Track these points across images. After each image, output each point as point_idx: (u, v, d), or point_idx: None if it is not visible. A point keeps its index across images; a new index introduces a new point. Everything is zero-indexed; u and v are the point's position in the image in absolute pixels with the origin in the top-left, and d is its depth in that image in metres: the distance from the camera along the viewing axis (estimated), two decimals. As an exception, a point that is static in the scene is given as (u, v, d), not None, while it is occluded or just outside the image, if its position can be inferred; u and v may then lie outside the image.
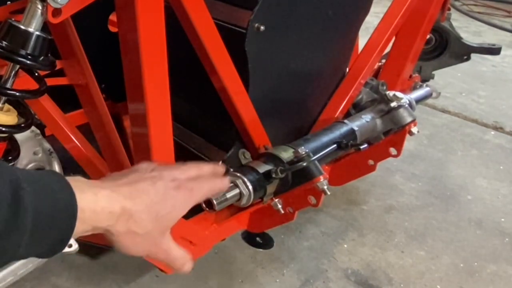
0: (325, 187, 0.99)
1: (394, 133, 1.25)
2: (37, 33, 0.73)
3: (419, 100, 1.47)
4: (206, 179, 0.76)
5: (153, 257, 0.71)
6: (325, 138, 1.15)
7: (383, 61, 1.49)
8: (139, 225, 0.65)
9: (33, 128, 0.93)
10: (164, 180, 0.69)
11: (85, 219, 0.59)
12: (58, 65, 1.01)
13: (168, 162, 0.89)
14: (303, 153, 1.00)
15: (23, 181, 0.54)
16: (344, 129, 1.19)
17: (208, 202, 0.93)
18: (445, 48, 1.64)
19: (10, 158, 0.86)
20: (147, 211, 0.65)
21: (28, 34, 0.73)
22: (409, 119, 1.23)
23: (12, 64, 0.76)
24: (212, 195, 0.80)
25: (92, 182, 0.63)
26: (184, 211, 0.70)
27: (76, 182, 0.59)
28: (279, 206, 1.06)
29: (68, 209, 0.57)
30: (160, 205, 0.67)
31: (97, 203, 0.61)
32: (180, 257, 0.73)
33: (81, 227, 0.59)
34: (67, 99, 1.08)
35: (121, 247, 0.66)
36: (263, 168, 1.02)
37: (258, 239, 1.27)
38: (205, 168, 0.78)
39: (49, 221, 0.56)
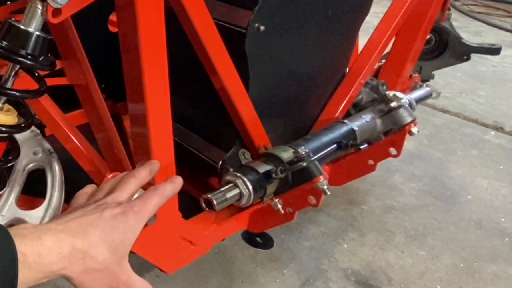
0: (325, 187, 0.99)
1: (394, 133, 1.25)
2: (37, 33, 0.73)
3: (419, 100, 1.47)
4: (150, 194, 0.74)
5: None
6: (325, 138, 1.15)
7: (383, 61, 1.49)
8: (96, 261, 0.63)
9: (33, 128, 0.93)
10: (109, 207, 0.68)
11: (30, 264, 0.55)
12: (58, 65, 1.01)
13: (167, 162, 0.89)
14: (303, 153, 1.00)
15: None
16: (344, 129, 1.19)
17: (208, 202, 0.93)
18: (445, 48, 1.64)
19: (10, 158, 0.86)
20: (101, 243, 0.63)
21: (28, 34, 0.72)
22: (409, 119, 1.23)
23: (12, 64, 0.76)
24: (161, 206, 0.76)
25: (38, 226, 0.60)
26: (136, 234, 0.69)
27: (16, 230, 0.56)
28: (279, 206, 1.06)
29: (6, 255, 0.53)
30: (113, 234, 0.65)
31: (43, 246, 0.57)
32: (141, 286, 0.72)
33: (29, 274, 0.55)
34: (67, 99, 1.08)
35: (83, 287, 0.63)
36: (263, 168, 1.02)
37: (258, 239, 1.27)
38: (142, 174, 0.78)
39: None
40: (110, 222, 0.66)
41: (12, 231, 0.56)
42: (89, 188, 0.78)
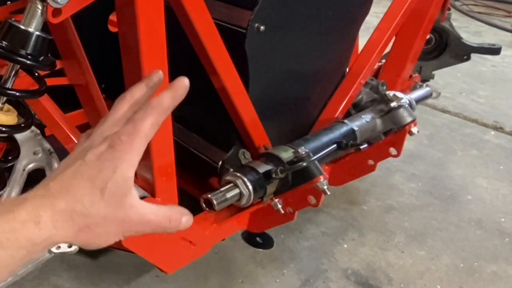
0: (325, 187, 0.99)
1: (394, 133, 1.25)
2: (37, 33, 0.73)
3: (419, 100, 1.47)
4: (142, 113, 0.60)
5: (133, 234, 0.58)
6: (325, 138, 1.15)
7: (383, 61, 1.49)
8: (88, 215, 0.53)
9: (33, 128, 0.93)
10: (93, 146, 0.56)
11: (3, 243, 0.49)
12: (58, 65, 1.01)
13: (167, 162, 0.89)
14: (303, 153, 1.00)
15: None
16: (344, 129, 1.19)
17: (208, 202, 0.93)
18: (445, 48, 1.64)
19: (10, 158, 0.86)
20: (88, 195, 0.53)
21: (28, 34, 0.73)
22: (409, 119, 1.23)
23: (12, 64, 0.76)
24: (160, 121, 0.61)
25: (14, 199, 0.54)
26: (132, 166, 0.56)
27: None
28: (279, 206, 1.06)
29: None
30: (100, 178, 0.54)
31: (15, 220, 0.50)
32: (165, 215, 0.60)
33: (6, 254, 0.49)
34: (67, 99, 1.08)
35: (88, 246, 0.55)
36: (263, 168, 1.02)
37: (258, 239, 1.27)
38: (136, 91, 0.64)
39: None
40: (95, 164, 0.55)
41: None
42: (91, 129, 0.64)
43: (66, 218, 0.52)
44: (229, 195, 0.96)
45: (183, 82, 0.64)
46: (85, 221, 0.53)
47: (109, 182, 0.54)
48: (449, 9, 1.59)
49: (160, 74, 0.66)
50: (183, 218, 0.61)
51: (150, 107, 0.60)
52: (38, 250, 0.51)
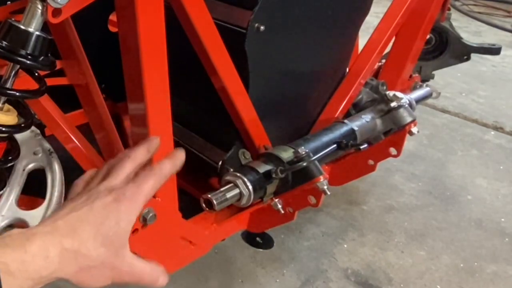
0: (325, 187, 0.99)
1: (394, 133, 1.25)
2: (37, 33, 0.73)
3: (419, 100, 1.47)
4: (145, 176, 0.68)
5: (120, 281, 0.64)
6: (325, 138, 1.15)
7: (383, 61, 1.49)
8: (90, 257, 0.59)
9: (33, 128, 0.93)
10: (100, 196, 0.63)
11: (14, 273, 0.53)
12: (58, 65, 1.01)
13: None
14: (303, 153, 1.00)
15: None
16: (344, 129, 1.19)
17: (208, 202, 0.93)
18: (445, 48, 1.64)
19: (10, 158, 0.86)
20: (92, 239, 0.59)
21: (28, 34, 0.72)
22: (409, 119, 1.23)
23: (12, 64, 0.76)
24: (160, 187, 0.71)
25: (23, 232, 0.58)
26: (131, 222, 0.65)
27: None
28: (279, 206, 1.06)
29: None
30: (104, 226, 0.61)
31: (26, 253, 0.54)
32: (148, 272, 0.67)
33: (15, 283, 0.53)
34: (67, 99, 1.08)
35: (81, 284, 0.60)
36: (263, 168, 1.02)
37: (258, 239, 1.27)
38: (138, 154, 0.72)
39: None
40: (101, 213, 0.61)
41: None
42: (87, 174, 0.72)
43: (71, 257, 0.57)
44: (229, 195, 0.96)
45: (181, 155, 0.75)
46: (86, 262, 0.59)
47: (112, 232, 0.61)
48: (449, 9, 1.59)
49: (158, 141, 0.76)
50: (160, 278, 0.68)
51: (153, 172, 0.69)
52: (42, 282, 0.56)
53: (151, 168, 0.71)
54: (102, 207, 0.62)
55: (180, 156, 0.75)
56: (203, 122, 1.26)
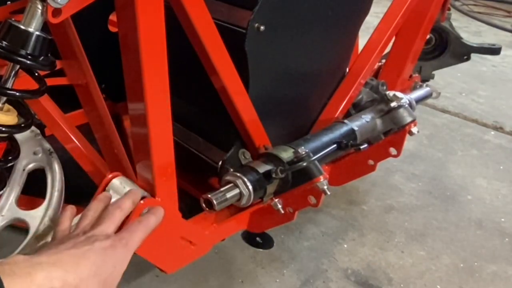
0: (325, 187, 0.99)
1: (394, 133, 1.25)
2: (37, 33, 0.73)
3: (419, 100, 1.47)
4: (135, 227, 0.79)
5: None
6: (325, 138, 1.15)
7: (383, 61, 1.49)
8: None
9: (33, 128, 0.93)
10: (99, 240, 0.71)
11: None
12: (58, 65, 1.01)
13: (167, 162, 0.89)
14: (303, 153, 1.00)
15: None
16: (344, 129, 1.19)
17: (208, 202, 0.93)
18: (445, 48, 1.64)
19: (10, 158, 0.86)
20: (92, 277, 0.66)
21: (28, 34, 0.73)
22: (409, 119, 1.23)
23: (12, 64, 0.76)
24: (146, 236, 0.81)
25: (29, 261, 0.62)
26: (124, 267, 0.73)
27: (6, 266, 0.58)
28: (279, 206, 1.06)
29: None
30: (103, 267, 0.68)
31: (32, 282, 0.59)
32: None
33: None
34: (67, 99, 1.08)
35: None
36: (263, 168, 1.02)
37: (258, 239, 1.27)
38: (126, 205, 0.82)
39: None
40: (101, 255, 0.69)
41: (2, 268, 0.57)
42: (68, 211, 0.81)
43: None
44: (229, 195, 0.96)
45: (162, 211, 0.86)
46: None
47: (108, 274, 0.69)
48: (449, 9, 1.59)
49: (140, 194, 0.86)
50: None
51: (142, 224, 0.80)
52: None
53: (140, 220, 0.81)
54: (101, 249, 0.70)
55: (161, 213, 0.86)
56: (203, 122, 1.26)
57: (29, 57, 0.73)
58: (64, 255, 0.66)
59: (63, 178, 0.98)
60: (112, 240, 0.72)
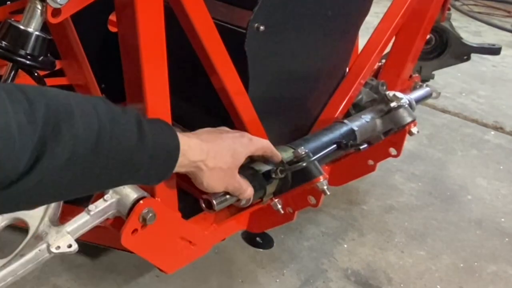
0: (325, 187, 0.99)
1: (394, 133, 1.25)
2: (37, 33, 0.73)
3: (419, 100, 1.47)
4: (263, 140, 0.97)
5: (230, 190, 0.89)
6: (325, 138, 1.15)
7: (383, 61, 1.49)
8: (223, 160, 0.83)
9: (33, 128, 0.93)
10: (228, 130, 0.92)
11: (184, 152, 0.74)
12: (58, 65, 1.01)
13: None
14: (303, 153, 1.00)
15: (140, 117, 0.67)
16: (344, 129, 1.19)
17: (208, 202, 0.93)
18: (445, 48, 1.64)
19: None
20: (226, 149, 0.84)
21: (27, 34, 0.73)
22: (409, 119, 1.23)
23: (12, 64, 0.76)
24: (266, 153, 0.96)
25: (182, 134, 0.77)
26: (247, 153, 0.90)
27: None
28: (279, 206, 1.06)
29: (174, 143, 0.72)
30: (233, 145, 0.86)
31: (190, 141, 0.77)
32: (247, 187, 0.92)
33: (180, 160, 0.74)
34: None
35: (209, 182, 0.83)
36: (263, 168, 1.02)
37: (258, 239, 1.27)
38: (265, 144, 0.98)
39: (161, 151, 0.70)
40: (231, 138, 0.88)
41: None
42: None
43: (213, 156, 0.81)
44: (229, 195, 0.96)
45: (279, 157, 1.02)
46: (220, 163, 0.83)
47: (237, 152, 0.87)
48: (449, 9, 1.59)
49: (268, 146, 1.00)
50: (249, 191, 0.94)
51: (266, 140, 0.99)
52: (190, 166, 0.78)
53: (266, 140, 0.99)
54: (231, 136, 0.89)
55: (278, 158, 1.00)
56: (203, 122, 1.26)
57: (29, 57, 0.73)
58: (205, 135, 0.84)
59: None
60: (241, 132, 0.93)
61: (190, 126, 1.26)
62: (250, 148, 0.91)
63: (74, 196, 0.64)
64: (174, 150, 0.72)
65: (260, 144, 0.94)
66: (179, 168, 0.75)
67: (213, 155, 0.81)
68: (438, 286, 1.36)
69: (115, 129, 0.61)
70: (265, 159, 1.05)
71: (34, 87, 0.55)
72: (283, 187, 1.04)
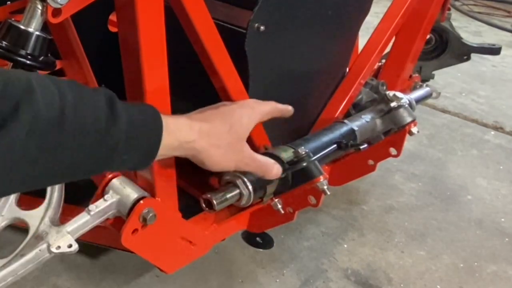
0: (325, 187, 0.99)
1: (394, 133, 1.25)
2: (37, 33, 0.73)
3: (419, 100, 1.47)
4: (266, 102, 0.91)
5: (243, 167, 0.83)
6: (325, 138, 1.15)
7: (383, 61, 1.49)
8: (219, 137, 0.77)
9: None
10: (226, 104, 0.86)
11: (170, 131, 0.69)
12: (58, 65, 1.01)
13: (167, 162, 0.89)
14: (303, 153, 1.00)
15: (115, 97, 0.64)
16: (344, 129, 1.19)
17: (208, 202, 0.93)
18: (445, 48, 1.64)
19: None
20: (220, 125, 0.78)
21: (28, 34, 0.73)
22: (409, 119, 1.23)
23: (12, 64, 0.76)
24: (274, 115, 0.91)
25: (174, 116, 0.76)
26: (251, 123, 0.84)
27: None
28: (279, 206, 1.06)
29: (155, 121, 0.68)
30: (231, 118, 0.80)
31: (178, 121, 0.73)
32: (266, 162, 0.87)
33: (168, 140, 0.69)
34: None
35: (211, 162, 0.78)
36: (263, 168, 1.02)
37: (258, 239, 1.27)
38: (280, 107, 0.94)
39: (140, 129, 0.65)
40: (228, 111, 0.82)
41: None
42: None
43: (205, 134, 0.76)
44: (229, 195, 0.96)
45: (291, 111, 0.96)
46: (215, 141, 0.77)
47: (236, 124, 0.80)
48: (449, 9, 1.59)
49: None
50: (276, 167, 0.89)
51: (272, 102, 0.92)
52: (182, 148, 0.73)
53: (272, 103, 0.92)
54: (228, 108, 0.83)
55: (290, 110, 0.95)
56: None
57: (29, 57, 0.73)
58: (196, 115, 0.79)
59: (63, 178, 0.98)
60: (241, 102, 0.88)
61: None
62: (253, 118, 0.85)
63: (46, 181, 0.62)
64: (155, 130, 0.68)
65: (264, 110, 0.89)
66: (171, 151, 0.72)
67: (205, 133, 0.76)
68: (438, 286, 1.36)
69: (80, 105, 0.58)
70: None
71: None
72: (283, 187, 1.04)
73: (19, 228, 0.89)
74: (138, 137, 0.65)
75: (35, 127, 0.53)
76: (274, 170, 0.88)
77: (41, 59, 0.75)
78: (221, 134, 0.78)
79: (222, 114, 0.81)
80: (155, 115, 0.69)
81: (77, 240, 0.86)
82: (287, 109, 0.94)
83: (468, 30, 3.74)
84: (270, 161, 0.88)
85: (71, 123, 0.57)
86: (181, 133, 0.72)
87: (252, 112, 0.86)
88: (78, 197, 0.97)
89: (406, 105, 1.25)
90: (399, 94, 1.26)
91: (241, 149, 0.82)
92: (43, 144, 0.55)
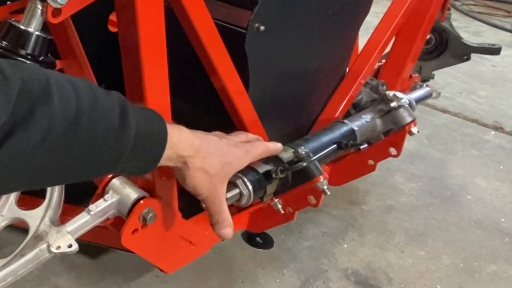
0: (325, 187, 0.99)
1: (394, 133, 1.25)
2: (37, 33, 0.73)
3: (419, 100, 1.47)
4: (259, 143, 0.94)
5: (208, 204, 0.83)
6: (325, 138, 1.15)
7: (383, 61, 1.49)
8: (211, 165, 0.79)
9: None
10: (227, 138, 0.87)
11: (172, 144, 0.70)
12: (58, 65, 1.01)
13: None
14: (303, 153, 1.00)
15: (127, 104, 0.64)
16: (344, 129, 1.19)
17: (208, 202, 0.93)
18: (445, 48, 1.64)
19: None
20: (217, 155, 0.80)
21: (28, 34, 0.73)
22: (409, 119, 1.23)
23: (12, 64, 0.75)
24: (264, 156, 0.95)
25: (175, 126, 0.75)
26: (240, 166, 0.88)
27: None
28: (279, 206, 1.06)
29: (161, 132, 0.69)
30: (226, 155, 0.83)
31: (182, 134, 0.74)
32: (227, 218, 0.86)
33: (168, 152, 0.70)
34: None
35: (192, 182, 0.78)
36: (263, 168, 1.01)
37: (258, 239, 1.27)
38: (251, 135, 0.97)
39: (146, 141, 0.66)
40: (226, 146, 0.84)
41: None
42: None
43: (202, 156, 0.77)
44: (229, 195, 0.96)
45: (280, 148, 1.00)
46: (207, 166, 0.78)
47: (229, 162, 0.84)
48: (449, 9, 1.59)
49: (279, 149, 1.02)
50: (230, 229, 0.88)
51: (263, 144, 0.97)
52: (176, 160, 0.74)
53: (261, 140, 0.97)
54: (226, 144, 0.85)
55: (279, 147, 1.00)
56: (203, 122, 1.26)
57: (29, 57, 0.73)
58: (199, 133, 0.80)
59: (63, 178, 0.98)
60: (238, 144, 0.88)
61: (191, 126, 1.26)
62: (243, 163, 0.89)
63: (50, 183, 0.63)
64: (160, 141, 0.69)
65: (256, 153, 0.92)
66: (165, 161, 0.72)
67: (203, 154, 0.77)
68: (438, 286, 1.36)
69: (95, 112, 0.58)
70: (265, 160, 1.05)
71: (11, 62, 0.53)
72: (283, 187, 1.04)
73: (19, 228, 0.89)
74: (143, 148, 0.66)
75: (49, 131, 0.53)
76: (227, 230, 0.87)
77: (41, 59, 0.75)
78: (215, 162, 0.80)
79: (222, 145, 0.84)
80: (161, 126, 0.70)
81: (77, 240, 0.86)
82: (276, 148, 0.98)
83: (468, 30, 3.74)
84: (228, 221, 0.86)
85: (84, 128, 0.57)
86: (182, 148, 0.74)
87: (245, 157, 0.89)
88: (78, 197, 0.97)
89: (406, 105, 1.25)
90: (399, 94, 1.26)
91: (220, 187, 0.83)
92: (53, 150, 0.55)
